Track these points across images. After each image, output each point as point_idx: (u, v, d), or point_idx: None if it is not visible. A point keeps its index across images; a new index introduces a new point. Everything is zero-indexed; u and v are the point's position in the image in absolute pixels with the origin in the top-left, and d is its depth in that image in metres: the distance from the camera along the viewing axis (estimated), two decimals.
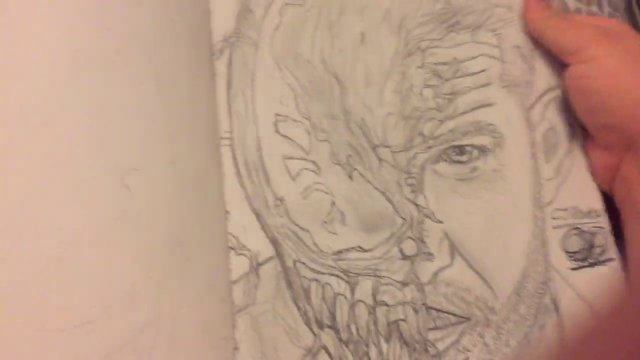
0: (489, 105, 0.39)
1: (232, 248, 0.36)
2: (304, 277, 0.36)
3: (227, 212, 0.37)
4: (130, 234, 0.33)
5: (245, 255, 0.36)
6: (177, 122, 0.36)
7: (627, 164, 0.37)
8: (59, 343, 0.31)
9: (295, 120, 0.38)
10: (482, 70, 0.39)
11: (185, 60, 0.37)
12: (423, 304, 0.36)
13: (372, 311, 0.36)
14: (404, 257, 0.37)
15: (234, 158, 0.38)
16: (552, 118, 0.40)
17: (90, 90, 0.33)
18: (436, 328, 0.36)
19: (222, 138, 0.38)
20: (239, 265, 0.36)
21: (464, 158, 0.38)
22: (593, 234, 0.39)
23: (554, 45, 0.39)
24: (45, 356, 0.31)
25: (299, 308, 0.36)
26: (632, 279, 0.37)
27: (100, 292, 0.32)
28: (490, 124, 0.39)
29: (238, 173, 0.38)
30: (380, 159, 0.38)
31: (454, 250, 0.37)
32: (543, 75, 0.40)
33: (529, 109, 0.40)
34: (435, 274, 0.37)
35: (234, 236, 0.37)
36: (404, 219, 0.37)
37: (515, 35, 0.40)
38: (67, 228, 0.32)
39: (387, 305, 0.36)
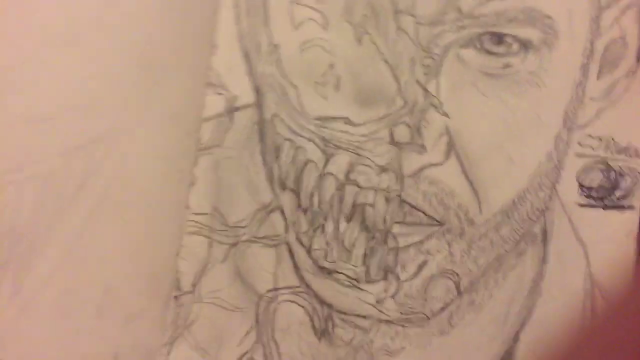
0: None
1: (211, 84, 0.33)
2: (279, 133, 0.33)
3: (214, 46, 0.33)
4: (104, 42, 0.30)
5: (224, 96, 0.33)
6: None
7: None
8: (24, 134, 0.31)
9: None
10: None
11: None
12: (398, 195, 0.33)
13: (340, 188, 0.33)
14: (393, 142, 0.32)
15: None
16: (626, 27, 0.31)
17: None
18: (404, 223, 0.33)
19: None
20: (214, 104, 0.33)
21: (500, 49, 0.31)
22: (621, 174, 0.33)
23: None
24: (11, 144, 0.32)
25: (265, 163, 0.33)
26: None
27: (65, 92, 0.31)
28: (547, 16, 0.31)
29: (236, 6, 0.33)
30: (399, 28, 0.31)
31: (451, 149, 0.32)
32: None
33: (603, 8, 0.31)
34: (421, 169, 0.32)
35: (215, 73, 0.33)
36: (405, 101, 0.32)
37: None
38: (43, 25, 0.30)
39: (358, 186, 0.33)
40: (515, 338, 0.33)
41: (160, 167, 0.33)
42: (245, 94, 0.33)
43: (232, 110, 0.33)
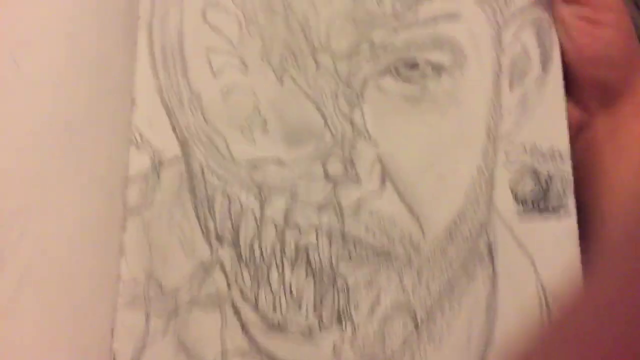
0: (455, 17, 0.32)
1: (133, 143, 0.31)
2: (210, 185, 0.31)
3: (133, 102, 0.31)
4: (12, 112, 0.28)
5: (148, 153, 0.31)
6: None
7: (599, 121, 0.33)
8: None
9: (227, 9, 0.32)
10: None
11: None
12: (340, 232, 0.31)
13: (281, 232, 0.31)
14: (327, 177, 0.31)
15: (150, 44, 0.32)
16: (525, 41, 0.33)
17: None
18: (350, 260, 0.31)
19: (139, 20, 0.32)
20: (138, 162, 0.31)
21: (415, 75, 0.32)
22: (551, 177, 0.33)
23: None
24: None
25: (198, 218, 0.31)
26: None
27: None
28: (453, 40, 0.32)
29: (152, 61, 0.32)
30: (318, 65, 0.31)
31: (385, 176, 0.31)
32: None
33: (501, 27, 0.33)
34: (359, 201, 0.31)
35: (137, 130, 0.31)
36: (333, 134, 0.31)
37: None
38: None
39: (299, 228, 0.31)
40: None
41: (85, 237, 0.29)
42: (170, 148, 0.31)
43: (158, 166, 0.31)
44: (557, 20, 0.33)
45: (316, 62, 0.31)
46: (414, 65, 0.32)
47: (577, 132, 0.34)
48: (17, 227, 0.28)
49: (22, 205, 0.28)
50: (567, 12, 0.33)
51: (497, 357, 0.31)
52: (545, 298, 0.32)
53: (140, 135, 0.31)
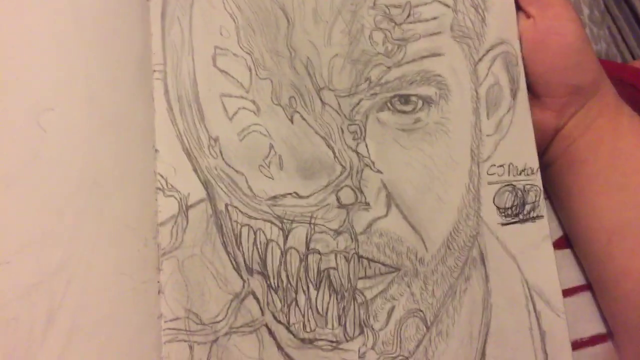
0: (438, 55, 0.31)
1: (160, 189, 0.28)
2: (236, 221, 0.29)
3: (156, 151, 0.28)
4: (44, 175, 0.25)
5: (174, 197, 0.28)
6: (97, 55, 0.27)
7: (573, 123, 0.34)
8: None
9: (235, 55, 0.30)
10: (434, 18, 0.31)
11: None
12: (355, 253, 0.30)
13: (303, 259, 0.29)
14: (341, 205, 0.29)
15: (166, 93, 0.29)
16: (497, 73, 0.32)
17: None
18: (366, 277, 0.30)
19: (153, 71, 0.29)
20: (167, 206, 0.28)
21: (409, 108, 0.31)
22: (526, 191, 0.33)
23: None
24: None
25: (228, 253, 0.29)
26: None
27: (14, 233, 0.25)
28: (438, 75, 0.31)
29: (170, 109, 0.29)
30: (323, 103, 0.30)
31: (390, 201, 0.30)
32: (494, 29, 0.33)
33: (476, 62, 0.32)
34: (370, 224, 0.30)
35: (162, 177, 0.28)
36: (343, 166, 0.30)
37: None
38: None
39: (319, 253, 0.29)
40: (483, 353, 0.31)
41: (125, 283, 0.27)
42: (195, 191, 0.29)
43: (186, 208, 0.28)
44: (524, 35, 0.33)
45: (322, 100, 0.30)
46: (407, 100, 0.31)
47: (555, 134, 0.35)
48: (61, 285, 0.24)
49: (63, 263, 0.25)
50: (530, 29, 0.33)
51: (494, 347, 0.32)
52: (529, 290, 0.32)
53: (166, 181, 0.28)
